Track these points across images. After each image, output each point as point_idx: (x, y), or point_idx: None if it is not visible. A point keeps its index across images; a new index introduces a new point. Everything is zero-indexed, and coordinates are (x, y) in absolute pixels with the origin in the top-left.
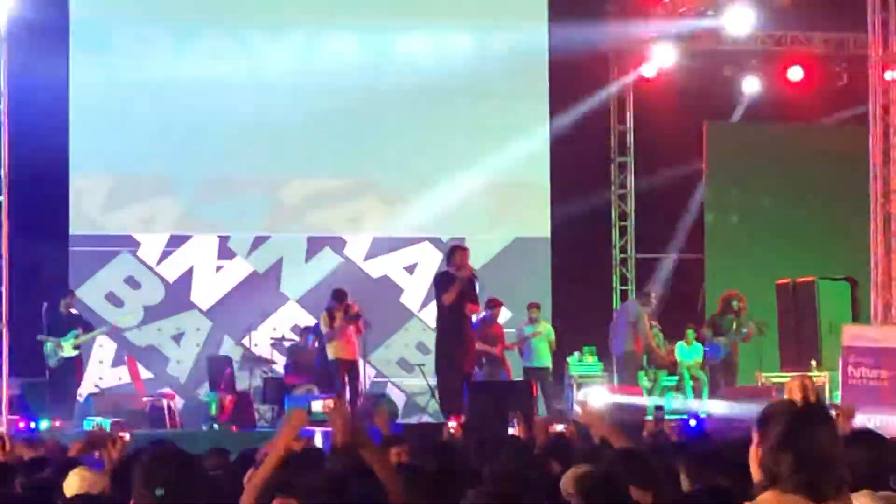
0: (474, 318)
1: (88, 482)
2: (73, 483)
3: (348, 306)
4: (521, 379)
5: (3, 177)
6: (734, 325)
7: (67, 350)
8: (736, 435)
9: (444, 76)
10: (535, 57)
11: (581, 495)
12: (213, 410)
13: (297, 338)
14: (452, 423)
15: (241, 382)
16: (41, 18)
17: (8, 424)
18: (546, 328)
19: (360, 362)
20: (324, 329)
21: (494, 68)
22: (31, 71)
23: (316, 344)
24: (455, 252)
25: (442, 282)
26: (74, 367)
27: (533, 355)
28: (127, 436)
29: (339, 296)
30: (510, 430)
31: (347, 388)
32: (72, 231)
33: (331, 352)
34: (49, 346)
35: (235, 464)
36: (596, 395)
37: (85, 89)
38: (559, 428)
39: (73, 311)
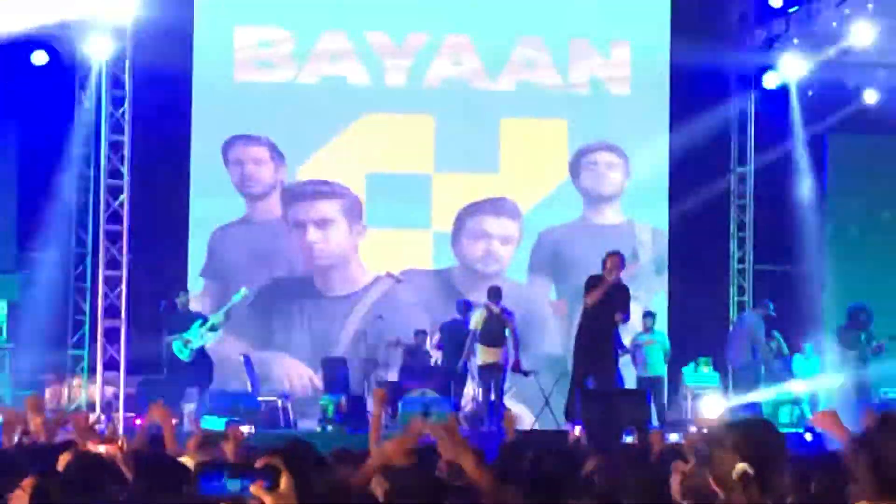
0: None
1: None
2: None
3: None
4: (634, 388)
5: (126, 176)
6: (862, 338)
7: (196, 341)
8: None
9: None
10: (657, 66)
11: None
12: (329, 412)
13: (412, 340)
14: (577, 430)
15: (355, 384)
16: (166, 21)
17: (125, 421)
18: (661, 337)
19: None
20: (473, 327)
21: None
22: (155, 74)
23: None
24: (608, 256)
25: (590, 282)
26: (203, 361)
27: (646, 364)
28: (246, 430)
29: (494, 292)
30: (626, 440)
31: (491, 393)
32: (192, 231)
33: (480, 355)
34: (177, 343)
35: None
36: (712, 404)
37: (208, 91)
38: (674, 439)
39: (190, 307)
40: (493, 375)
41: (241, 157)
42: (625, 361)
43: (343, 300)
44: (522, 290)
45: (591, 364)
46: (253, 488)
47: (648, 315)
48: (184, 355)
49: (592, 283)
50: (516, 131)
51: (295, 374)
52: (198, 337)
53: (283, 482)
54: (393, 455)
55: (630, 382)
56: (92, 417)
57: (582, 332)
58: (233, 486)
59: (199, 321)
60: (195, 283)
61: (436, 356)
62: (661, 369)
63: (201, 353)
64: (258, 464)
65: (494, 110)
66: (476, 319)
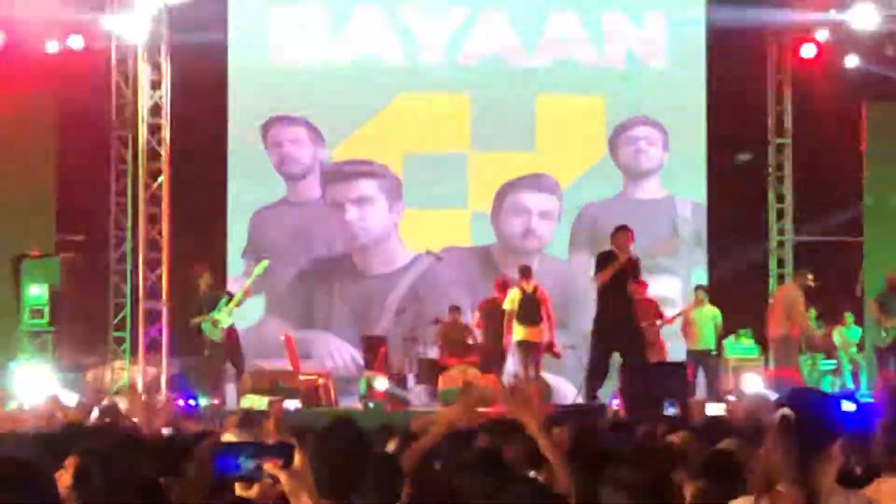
0: None
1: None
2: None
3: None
4: (675, 361)
5: (164, 158)
6: None
7: (224, 320)
8: None
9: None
10: (693, 37)
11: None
12: (364, 390)
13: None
14: (616, 403)
15: (394, 363)
16: (201, 3)
17: (168, 402)
18: (712, 311)
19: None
20: (509, 307)
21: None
22: (191, 56)
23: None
24: (617, 232)
25: (600, 260)
26: (234, 340)
27: (697, 337)
28: (285, 405)
29: (525, 271)
30: (667, 411)
31: (529, 369)
32: (231, 212)
33: (518, 333)
34: (206, 324)
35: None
36: (751, 380)
37: (243, 72)
38: (716, 409)
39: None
40: (529, 351)
41: (280, 137)
42: (671, 333)
43: (383, 279)
44: (563, 267)
45: (616, 342)
46: (268, 466)
47: (699, 288)
48: (215, 335)
49: (603, 260)
50: (553, 108)
51: (336, 352)
52: (225, 315)
53: (298, 459)
54: (458, 418)
55: (680, 355)
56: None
57: (601, 312)
58: (247, 465)
59: (225, 299)
60: (236, 265)
61: (475, 333)
62: (710, 342)
63: (231, 331)
64: (271, 441)
65: (530, 87)
66: (510, 299)
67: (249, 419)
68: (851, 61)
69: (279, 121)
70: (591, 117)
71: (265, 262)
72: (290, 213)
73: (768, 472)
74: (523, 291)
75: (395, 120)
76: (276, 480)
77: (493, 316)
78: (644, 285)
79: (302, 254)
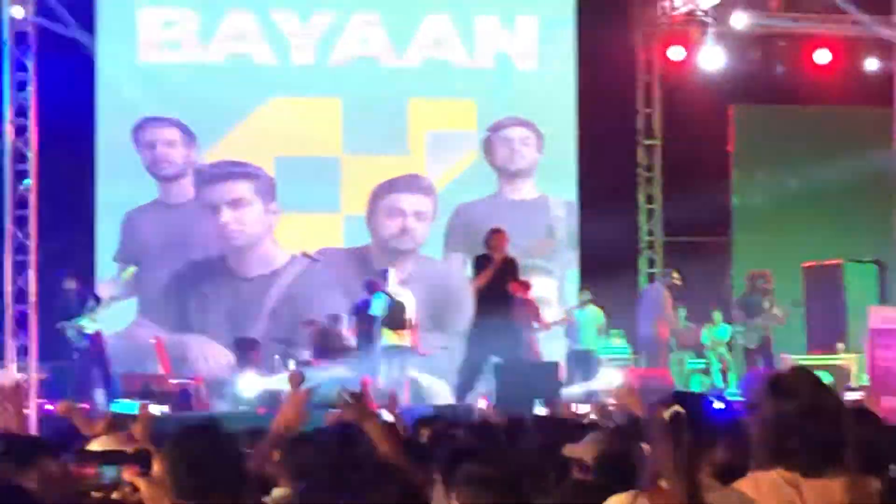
0: None
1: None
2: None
3: None
4: (548, 361)
5: (32, 159)
6: (765, 305)
7: (89, 326)
8: None
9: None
10: (564, 40)
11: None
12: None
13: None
14: (482, 404)
15: (269, 365)
16: (67, 2)
17: (37, 408)
18: (595, 312)
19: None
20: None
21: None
22: (58, 56)
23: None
24: (492, 234)
25: (476, 263)
26: (99, 345)
27: (578, 338)
28: (157, 411)
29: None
30: (537, 410)
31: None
32: (101, 215)
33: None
34: (70, 330)
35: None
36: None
37: (112, 72)
38: (583, 409)
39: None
40: (398, 356)
41: (153, 139)
42: (554, 333)
43: (259, 281)
44: (438, 267)
45: (492, 343)
46: (126, 474)
47: (585, 288)
48: (80, 340)
49: (479, 263)
50: (425, 112)
51: (211, 355)
52: (89, 320)
53: (156, 467)
54: (286, 422)
55: (560, 355)
56: None
57: (478, 313)
58: (109, 471)
59: (91, 304)
60: (105, 268)
61: (349, 337)
62: (592, 342)
63: (97, 337)
64: (130, 450)
65: (402, 90)
66: (378, 306)
67: (116, 423)
68: (719, 64)
69: (151, 122)
70: (463, 121)
71: (133, 268)
72: (164, 216)
73: (654, 469)
74: (390, 297)
75: (266, 124)
76: (135, 488)
77: (364, 319)
78: (527, 285)
79: (176, 256)
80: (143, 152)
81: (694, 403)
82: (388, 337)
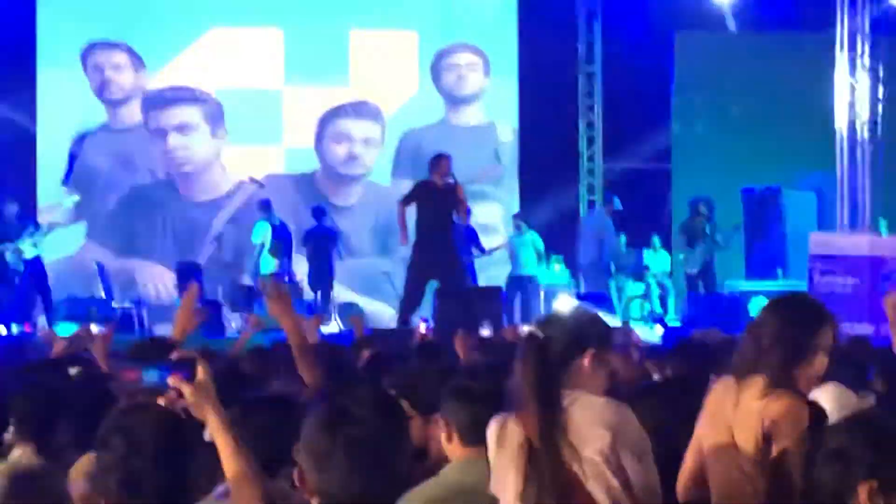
0: None
1: None
2: None
3: None
4: (491, 286)
5: None
6: (707, 230)
7: (28, 251)
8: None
9: None
10: None
11: None
12: None
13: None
14: (422, 328)
15: (208, 290)
16: None
17: None
18: (532, 236)
19: None
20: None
21: None
22: None
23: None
24: (436, 160)
25: (416, 189)
26: (38, 270)
27: (518, 264)
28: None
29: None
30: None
31: None
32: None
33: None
34: (8, 253)
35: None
36: (563, 302)
37: None
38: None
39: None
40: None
41: (100, 62)
42: (499, 260)
43: (206, 206)
44: (385, 193)
45: (434, 269)
46: (171, 380)
47: (518, 216)
48: (18, 265)
49: (418, 188)
50: (366, 42)
51: (158, 280)
52: (29, 246)
53: (200, 373)
54: (182, 323)
55: (501, 281)
56: None
57: (419, 239)
58: (150, 377)
59: (31, 229)
60: (47, 192)
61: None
62: (531, 268)
63: (37, 261)
64: (175, 356)
65: (344, 20)
66: (259, 233)
67: (74, 345)
68: None
69: (100, 46)
70: (404, 51)
71: (76, 197)
72: (112, 140)
73: (520, 390)
74: (273, 226)
75: (208, 54)
76: (179, 394)
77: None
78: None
79: (123, 181)
80: (90, 76)
81: (567, 322)
82: (268, 264)
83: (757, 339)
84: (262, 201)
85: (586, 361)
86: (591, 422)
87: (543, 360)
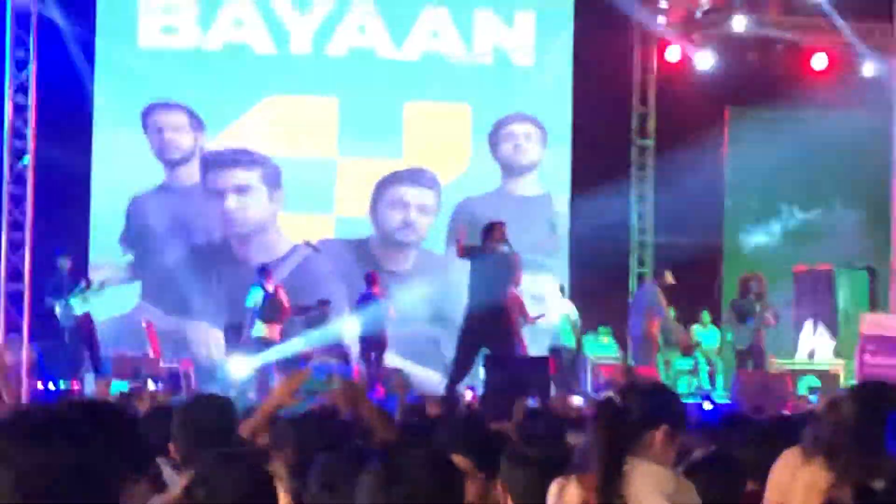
0: None
1: None
2: None
3: None
4: (539, 355)
5: (30, 138)
6: (757, 308)
7: (78, 307)
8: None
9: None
10: (561, 36)
11: None
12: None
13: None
14: (468, 395)
15: None
16: None
17: (27, 386)
18: (569, 308)
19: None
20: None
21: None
22: (60, 35)
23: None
24: (491, 227)
25: (469, 253)
26: (88, 327)
27: (556, 333)
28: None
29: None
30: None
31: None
32: (104, 197)
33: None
34: (58, 308)
35: None
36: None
37: (111, 55)
38: (576, 402)
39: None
40: (265, 347)
41: (161, 123)
42: (539, 330)
43: None
44: (439, 261)
45: (485, 336)
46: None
47: (559, 288)
48: (68, 321)
49: (471, 252)
50: (420, 115)
51: (212, 340)
52: (80, 302)
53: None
54: (280, 397)
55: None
56: None
57: (471, 305)
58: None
59: (82, 286)
60: (99, 250)
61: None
62: (568, 339)
63: (86, 318)
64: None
65: (398, 92)
66: (252, 298)
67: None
68: (714, 65)
69: (160, 107)
70: (457, 124)
71: (129, 257)
72: (169, 200)
73: (585, 454)
74: (266, 291)
75: (264, 123)
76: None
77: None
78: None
79: (180, 241)
80: (150, 137)
81: (644, 393)
82: (258, 329)
83: (835, 422)
84: (259, 266)
85: (659, 436)
86: (650, 489)
87: (617, 428)
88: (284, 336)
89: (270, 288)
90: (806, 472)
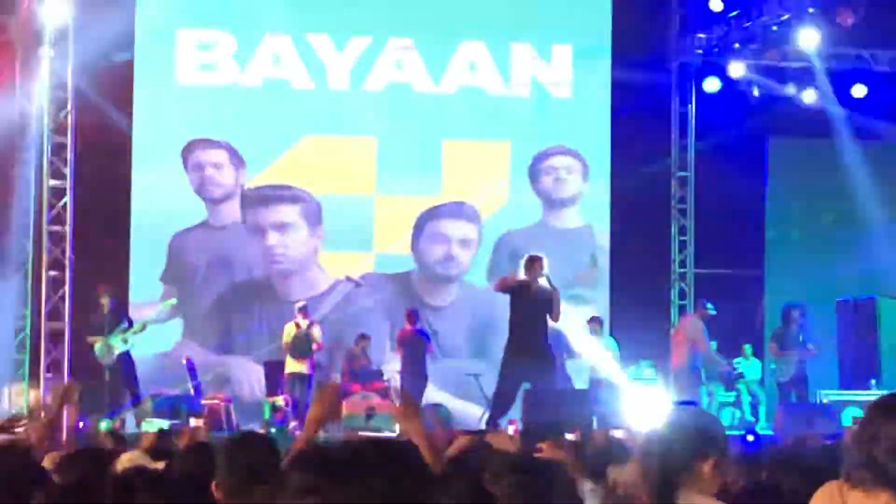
0: None
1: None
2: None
3: None
4: (580, 388)
5: (69, 177)
6: (800, 338)
7: (118, 346)
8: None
9: (505, 89)
10: (598, 70)
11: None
12: (268, 414)
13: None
14: (510, 429)
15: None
16: (107, 21)
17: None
18: (609, 342)
19: None
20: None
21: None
22: (97, 74)
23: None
24: (530, 261)
25: (512, 292)
26: (128, 366)
27: (597, 368)
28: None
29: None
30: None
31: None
32: (145, 235)
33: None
34: (98, 346)
35: None
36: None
37: (149, 92)
38: (618, 434)
39: (109, 306)
40: (299, 383)
41: (201, 160)
42: (580, 363)
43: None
44: (481, 294)
45: (527, 371)
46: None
47: (593, 320)
48: (107, 359)
49: (514, 290)
50: (458, 152)
51: (254, 378)
52: (120, 342)
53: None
54: (320, 414)
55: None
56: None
57: (512, 339)
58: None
59: (123, 325)
60: (139, 288)
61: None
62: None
63: (127, 356)
64: None
65: (437, 131)
66: (286, 332)
67: (164, 440)
68: (754, 96)
69: (200, 144)
70: (496, 160)
71: (174, 300)
72: (210, 237)
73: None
74: (298, 327)
75: (303, 161)
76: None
77: (403, 345)
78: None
79: (221, 278)
80: (191, 174)
81: (692, 422)
82: (290, 364)
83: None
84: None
85: (707, 468)
86: None
87: (665, 461)
88: (320, 370)
89: (304, 324)
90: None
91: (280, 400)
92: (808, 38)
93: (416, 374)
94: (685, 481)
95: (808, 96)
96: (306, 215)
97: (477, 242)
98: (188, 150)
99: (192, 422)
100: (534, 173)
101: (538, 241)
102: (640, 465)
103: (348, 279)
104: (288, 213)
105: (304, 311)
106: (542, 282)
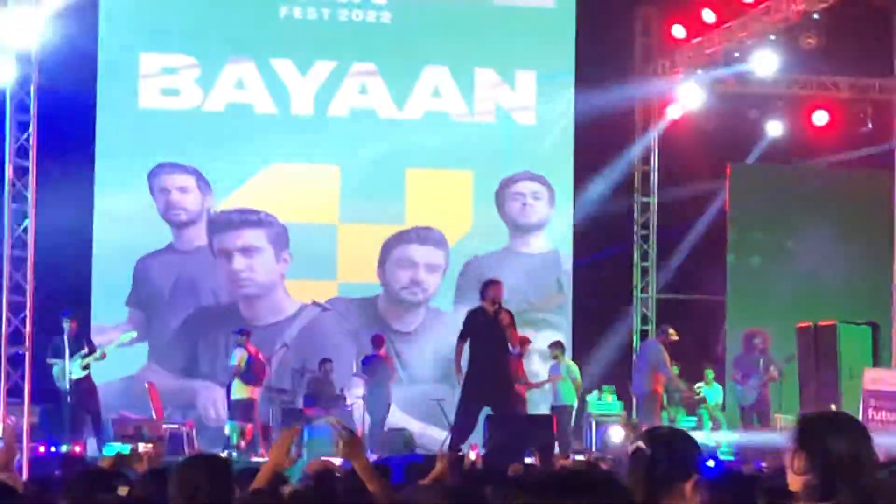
0: None
1: None
2: None
3: None
4: (542, 413)
5: (31, 200)
6: (761, 364)
7: (76, 371)
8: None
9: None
10: (562, 96)
11: None
12: (234, 439)
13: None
14: (472, 454)
15: (260, 412)
16: (71, 46)
17: (28, 450)
18: (571, 366)
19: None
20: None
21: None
22: (60, 99)
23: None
24: (487, 286)
25: (467, 318)
26: (88, 390)
27: (558, 394)
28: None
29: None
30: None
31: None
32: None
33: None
34: (56, 369)
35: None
36: (616, 433)
37: (112, 116)
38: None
39: (71, 329)
40: (248, 408)
41: (167, 184)
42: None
43: (269, 329)
44: (447, 319)
45: (487, 396)
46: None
47: (556, 345)
48: (63, 384)
49: (470, 317)
50: (421, 181)
51: (219, 401)
52: (77, 367)
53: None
54: (275, 459)
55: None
56: None
57: (472, 364)
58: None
59: (84, 351)
60: (101, 311)
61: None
62: (569, 398)
63: (87, 381)
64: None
65: (400, 160)
66: (238, 357)
67: (121, 464)
68: (715, 122)
69: (167, 167)
70: (459, 189)
71: (132, 333)
72: (176, 261)
73: None
74: (249, 353)
75: (268, 187)
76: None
77: (368, 370)
78: (526, 341)
79: (187, 302)
80: (157, 197)
81: (671, 442)
82: (238, 390)
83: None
84: (237, 330)
85: (689, 487)
86: None
87: (650, 479)
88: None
89: (252, 350)
90: None
91: (246, 427)
92: (769, 64)
93: (380, 399)
94: (669, 500)
95: (769, 122)
96: (272, 240)
97: (444, 267)
98: (154, 174)
99: (142, 447)
100: (500, 198)
101: (505, 265)
102: (626, 482)
103: (315, 303)
104: (254, 237)
105: (248, 335)
106: (495, 308)
